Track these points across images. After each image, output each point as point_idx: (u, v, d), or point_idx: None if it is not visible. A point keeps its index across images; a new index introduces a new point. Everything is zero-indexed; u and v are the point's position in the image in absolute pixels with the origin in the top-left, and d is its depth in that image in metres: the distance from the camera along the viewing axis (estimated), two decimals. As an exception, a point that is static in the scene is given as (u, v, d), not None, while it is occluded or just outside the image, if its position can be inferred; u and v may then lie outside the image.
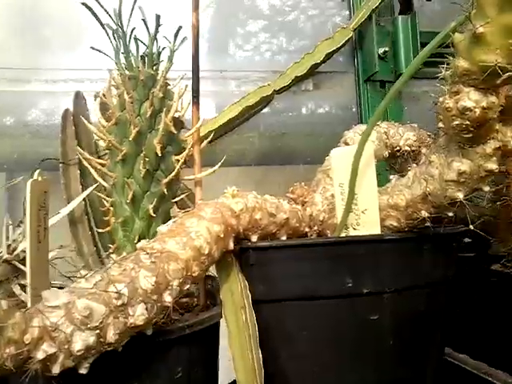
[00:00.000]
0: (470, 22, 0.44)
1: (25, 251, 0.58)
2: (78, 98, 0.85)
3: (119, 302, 0.42)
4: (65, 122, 0.83)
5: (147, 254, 0.47)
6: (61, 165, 0.82)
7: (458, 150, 0.51)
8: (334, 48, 0.93)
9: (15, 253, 0.60)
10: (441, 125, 0.51)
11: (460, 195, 0.52)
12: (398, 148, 0.74)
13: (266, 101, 0.94)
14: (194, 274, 0.50)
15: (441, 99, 0.49)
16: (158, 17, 0.55)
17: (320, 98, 1.02)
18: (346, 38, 0.94)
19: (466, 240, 0.77)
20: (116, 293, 0.42)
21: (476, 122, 0.47)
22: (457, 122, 0.48)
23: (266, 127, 1.04)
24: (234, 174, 1.11)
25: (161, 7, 0.97)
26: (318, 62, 0.93)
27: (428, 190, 0.54)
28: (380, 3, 0.94)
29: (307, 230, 0.68)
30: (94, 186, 0.73)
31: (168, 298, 0.46)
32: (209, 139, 0.62)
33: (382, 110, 0.57)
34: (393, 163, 0.78)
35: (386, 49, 0.97)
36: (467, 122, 0.47)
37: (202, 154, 0.61)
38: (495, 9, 0.43)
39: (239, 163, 1.10)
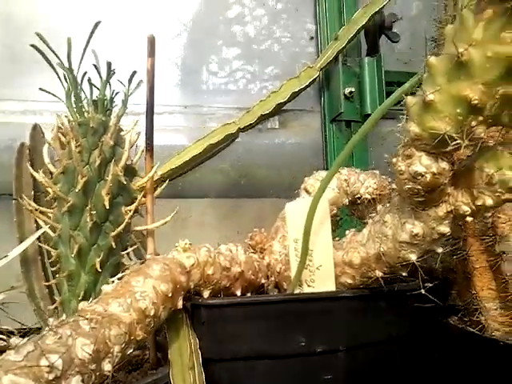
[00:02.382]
0: (421, 89, 0.44)
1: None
2: (36, 131, 0.83)
3: (51, 376, 0.40)
4: (20, 156, 0.80)
5: (87, 319, 0.44)
6: (14, 201, 0.79)
7: (411, 212, 0.50)
8: (300, 87, 0.93)
9: None
10: (394, 186, 0.50)
11: (413, 257, 0.52)
12: (358, 195, 0.73)
13: (230, 138, 0.92)
14: (138, 338, 0.47)
15: (394, 160, 0.48)
16: (109, 64, 0.53)
17: (286, 137, 1.02)
18: (312, 78, 0.94)
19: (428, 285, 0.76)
20: (48, 366, 0.39)
21: (427, 186, 0.46)
22: (409, 186, 0.47)
23: (232, 162, 1.03)
24: (204, 205, 1.09)
25: (122, 50, 0.96)
26: (284, 100, 0.92)
27: (382, 249, 0.53)
28: (346, 45, 0.94)
29: (264, 281, 0.66)
30: (46, 227, 0.70)
31: (107, 367, 0.44)
32: (163, 186, 0.60)
33: (339, 163, 0.56)
34: (354, 209, 0.77)
35: (352, 89, 0.97)
36: (419, 187, 0.47)
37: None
38: (444, 77, 0.42)
39: (207, 195, 1.09)
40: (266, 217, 1.06)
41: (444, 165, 0.46)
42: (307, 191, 0.72)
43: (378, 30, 1.01)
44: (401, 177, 0.47)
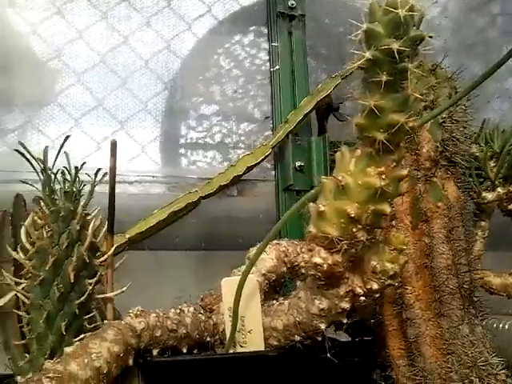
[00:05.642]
0: (315, 203, 0.57)
1: None
2: (18, 199, 0.94)
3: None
4: (2, 223, 0.91)
5: (49, 377, 0.55)
6: (-5, 263, 0.89)
7: (319, 290, 0.63)
8: (254, 163, 1.07)
9: None
10: (303, 271, 0.63)
11: (322, 326, 0.64)
12: (296, 264, 0.86)
13: (192, 206, 1.05)
14: (93, 392, 0.58)
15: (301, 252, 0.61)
16: (76, 168, 0.66)
17: (243, 204, 1.15)
18: (265, 155, 1.08)
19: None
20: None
21: (325, 274, 0.59)
22: (312, 273, 0.60)
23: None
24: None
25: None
26: (240, 173, 1.06)
27: (297, 319, 0.65)
28: (295, 127, 1.09)
29: (209, 339, 0.77)
30: (23, 285, 0.80)
31: (66, 418, 0.55)
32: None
33: (266, 244, 0.69)
34: (294, 274, 0.89)
35: (302, 163, 1.12)
36: (319, 274, 0.59)
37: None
38: (331, 195, 0.56)
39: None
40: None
41: (337, 257, 0.58)
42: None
43: (325, 111, 1.16)
44: (305, 265, 0.60)
